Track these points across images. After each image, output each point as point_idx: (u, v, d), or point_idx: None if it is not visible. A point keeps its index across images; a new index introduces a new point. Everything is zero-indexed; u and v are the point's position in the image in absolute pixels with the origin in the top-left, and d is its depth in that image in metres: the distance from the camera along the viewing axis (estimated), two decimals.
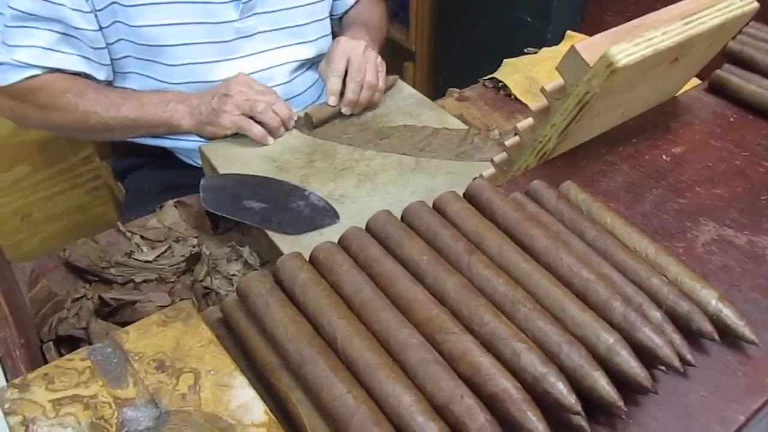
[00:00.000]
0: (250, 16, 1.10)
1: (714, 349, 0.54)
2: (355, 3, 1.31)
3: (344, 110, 1.04)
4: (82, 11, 1.00)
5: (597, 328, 0.48)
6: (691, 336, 0.52)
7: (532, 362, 0.45)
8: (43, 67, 1.02)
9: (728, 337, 0.54)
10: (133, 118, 1.05)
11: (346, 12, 1.32)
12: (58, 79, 1.04)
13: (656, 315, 0.52)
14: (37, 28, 1.00)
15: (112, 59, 1.08)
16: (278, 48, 1.15)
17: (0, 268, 0.69)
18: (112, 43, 1.06)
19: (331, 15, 1.28)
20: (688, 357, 0.50)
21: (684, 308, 0.53)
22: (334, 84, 1.04)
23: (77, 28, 1.01)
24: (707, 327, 0.52)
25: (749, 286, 0.60)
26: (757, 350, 0.54)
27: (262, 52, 1.14)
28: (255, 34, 1.12)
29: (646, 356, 0.48)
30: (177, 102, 1.04)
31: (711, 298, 0.54)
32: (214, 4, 1.06)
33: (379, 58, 1.09)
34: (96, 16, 1.02)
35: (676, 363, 0.48)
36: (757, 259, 0.62)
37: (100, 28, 1.03)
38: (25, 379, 0.46)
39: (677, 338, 0.51)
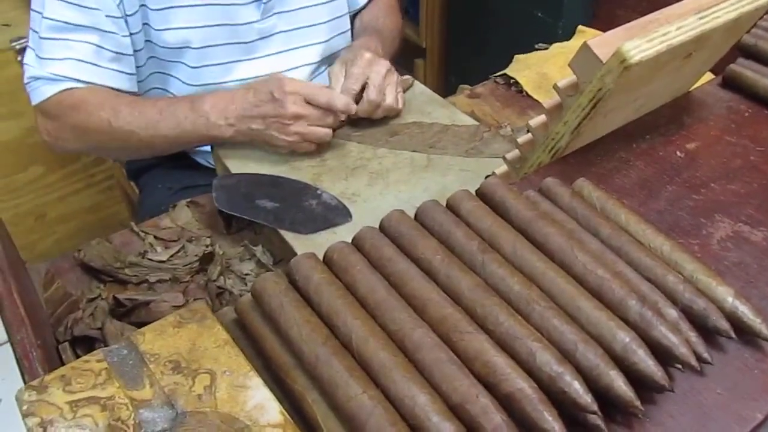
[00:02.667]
0: (271, 16, 1.10)
1: (731, 346, 0.54)
2: (368, 3, 1.29)
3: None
4: (115, 17, 1.00)
5: (613, 327, 0.48)
6: (708, 334, 0.52)
7: (548, 362, 0.45)
8: (77, 80, 1.00)
9: (745, 334, 0.53)
10: (173, 137, 1.00)
11: (359, 11, 1.30)
12: (90, 94, 1.01)
13: (672, 313, 0.51)
14: (73, 39, 0.99)
15: (137, 66, 1.07)
16: (298, 48, 1.15)
17: (15, 269, 0.69)
18: (140, 49, 1.06)
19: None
20: (705, 355, 0.50)
21: (700, 306, 0.52)
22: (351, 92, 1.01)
23: (109, 33, 1.00)
24: (724, 324, 0.52)
25: (766, 282, 0.59)
26: None
27: (282, 52, 1.13)
28: (275, 34, 1.12)
29: (663, 355, 0.48)
30: (217, 118, 0.97)
31: (727, 296, 0.54)
32: (237, 6, 1.06)
33: (399, 78, 1.05)
34: (126, 21, 1.01)
35: (693, 361, 0.48)
36: None
37: (131, 34, 1.03)
38: (43, 381, 0.46)
39: (693, 336, 0.50)
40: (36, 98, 1.03)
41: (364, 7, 1.29)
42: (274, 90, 0.94)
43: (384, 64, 1.02)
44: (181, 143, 1.03)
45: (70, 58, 0.99)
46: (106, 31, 1.00)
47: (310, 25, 1.15)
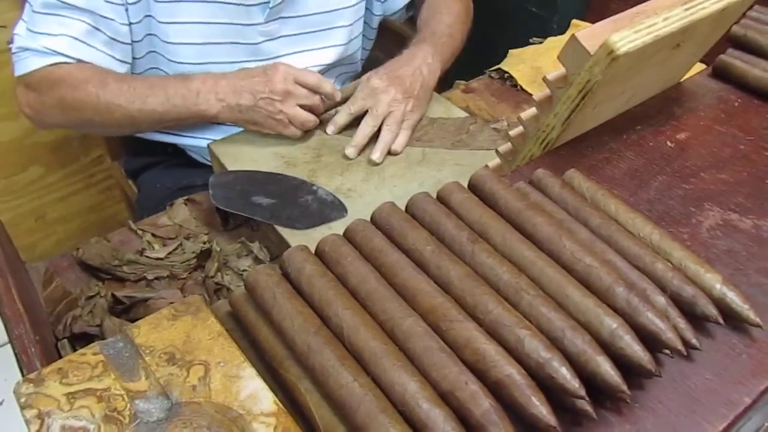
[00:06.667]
0: (275, 20, 1.10)
1: (719, 332, 0.54)
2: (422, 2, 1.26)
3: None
4: (115, 3, 0.99)
5: (600, 314, 0.49)
6: (696, 320, 0.53)
7: (536, 348, 0.46)
8: (68, 56, 0.99)
9: (733, 320, 0.54)
10: (161, 111, 1.00)
11: (401, 12, 1.27)
12: (77, 70, 1.00)
13: (660, 300, 0.52)
14: (67, 17, 0.98)
15: (134, 58, 1.07)
16: (301, 52, 1.14)
17: (15, 269, 0.70)
18: (139, 41, 1.06)
19: (384, 15, 1.27)
20: (693, 341, 0.50)
21: (688, 293, 0.53)
22: (341, 119, 1.01)
23: (107, 18, 0.99)
24: (711, 311, 0.52)
25: (754, 269, 0.60)
26: (761, 333, 0.54)
27: (286, 55, 1.13)
28: (279, 37, 1.12)
29: (650, 341, 0.49)
30: (207, 92, 0.98)
31: (715, 282, 0.54)
32: (244, 6, 1.06)
33: (410, 108, 1.01)
34: (127, 10, 1.01)
35: (680, 346, 0.48)
36: (762, 243, 0.62)
37: (130, 24, 1.03)
38: (40, 374, 0.47)
39: (682, 322, 0.51)
40: (21, 69, 1.02)
41: (421, 3, 1.26)
42: (267, 68, 0.98)
43: (389, 93, 1.00)
44: (169, 119, 1.02)
45: (62, 35, 0.99)
46: (103, 16, 1.00)
47: (316, 31, 1.15)
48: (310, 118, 0.98)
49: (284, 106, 0.96)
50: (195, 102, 0.99)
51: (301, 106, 0.97)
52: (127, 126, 1.06)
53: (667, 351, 0.50)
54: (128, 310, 0.78)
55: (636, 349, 0.47)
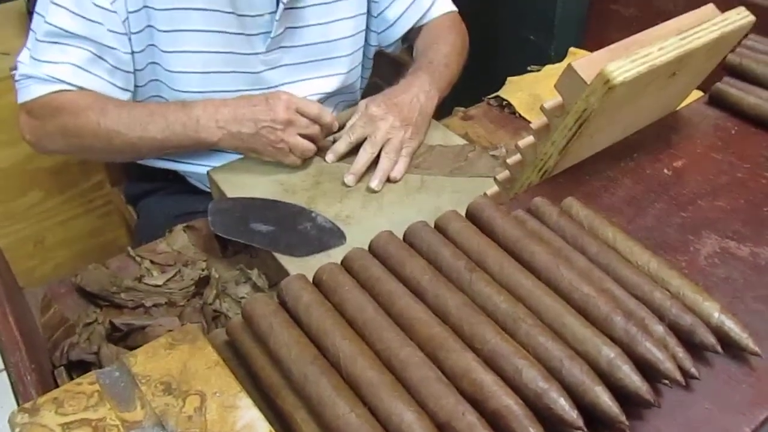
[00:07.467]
0: (276, 49, 1.10)
1: (718, 361, 0.54)
2: (420, 29, 1.26)
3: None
4: (118, 32, 1.00)
5: (598, 343, 0.48)
6: (695, 349, 0.53)
7: (534, 378, 0.46)
8: (70, 84, 1.00)
9: (732, 348, 0.54)
10: (161, 139, 1.00)
11: (397, 43, 1.28)
12: (79, 97, 1.01)
13: (659, 329, 0.52)
14: (70, 45, 0.99)
15: (136, 86, 1.08)
16: (302, 80, 1.15)
17: (12, 295, 0.70)
18: (141, 69, 1.06)
19: (380, 46, 1.28)
20: (692, 370, 0.50)
21: (687, 321, 0.53)
22: (341, 147, 1.01)
23: (110, 48, 1.00)
24: (710, 339, 0.52)
25: (752, 297, 0.60)
26: (761, 361, 0.54)
27: (287, 83, 1.14)
28: (280, 66, 1.12)
29: (649, 370, 0.49)
30: (208, 120, 0.98)
31: (713, 311, 0.54)
32: (245, 35, 1.07)
33: (409, 136, 1.01)
34: (130, 39, 1.02)
35: (678, 376, 0.48)
36: (760, 270, 0.62)
37: (132, 52, 1.03)
38: (35, 404, 0.47)
39: (680, 351, 0.51)
40: (23, 96, 1.02)
41: (417, 34, 1.26)
42: (269, 96, 0.98)
43: (387, 121, 1.00)
44: (169, 146, 1.02)
45: (65, 62, 1.00)
46: (106, 45, 1.00)
47: (315, 60, 1.15)
48: (311, 147, 0.99)
49: (285, 134, 0.96)
50: (195, 129, 0.99)
51: (302, 135, 0.98)
52: (127, 152, 1.06)
53: (666, 381, 0.49)
54: (126, 337, 0.78)
55: (634, 379, 0.47)
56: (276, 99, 0.98)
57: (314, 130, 0.99)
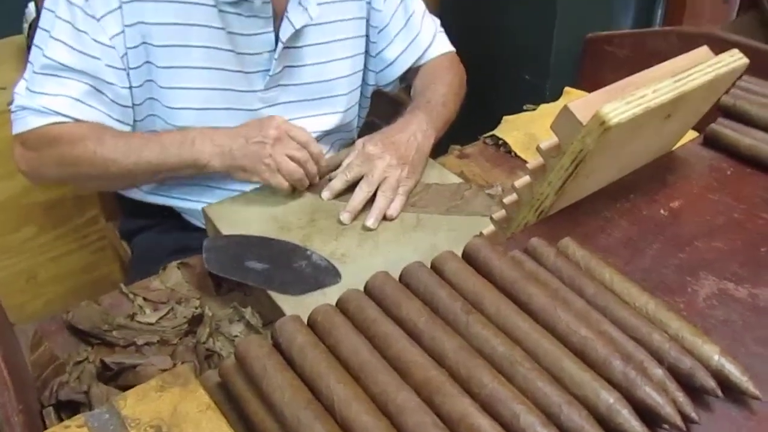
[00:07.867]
0: (274, 87, 1.11)
1: (718, 405, 0.53)
2: (418, 69, 1.27)
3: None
4: (116, 68, 1.01)
5: (597, 388, 0.48)
6: (695, 392, 0.52)
7: (532, 424, 0.45)
8: (66, 116, 1.00)
9: (732, 392, 0.53)
10: (156, 163, 1.01)
11: (395, 83, 1.29)
12: (75, 127, 1.01)
13: (658, 372, 0.51)
14: (68, 78, 1.00)
15: (134, 120, 1.08)
16: (300, 118, 1.15)
17: (2, 332, 0.69)
18: (139, 104, 1.07)
19: (378, 86, 1.29)
20: (692, 415, 0.49)
21: (686, 364, 0.52)
22: (337, 185, 1.01)
23: (108, 83, 1.01)
24: (710, 383, 0.52)
25: (752, 339, 0.59)
26: (761, 405, 0.53)
27: (290, 120, 1.14)
28: (278, 104, 1.13)
29: (649, 415, 0.48)
30: (202, 140, 1.00)
31: (713, 354, 0.54)
32: (243, 73, 1.07)
33: (406, 174, 1.01)
34: (128, 74, 1.03)
35: (678, 421, 0.47)
36: (759, 312, 0.62)
37: (130, 87, 1.04)
38: None
39: (680, 395, 0.50)
40: (19, 127, 1.02)
41: (415, 74, 1.27)
42: (263, 118, 1.01)
43: (384, 160, 1.00)
44: (164, 169, 1.02)
45: (63, 95, 1.00)
46: (104, 80, 1.01)
47: (313, 99, 1.16)
48: (298, 170, 0.99)
49: (274, 150, 0.97)
50: (191, 151, 1.00)
51: (290, 158, 0.99)
52: (123, 180, 1.07)
53: (666, 426, 0.48)
54: (117, 376, 0.76)
55: (634, 425, 0.46)
56: (269, 119, 1.01)
57: (303, 155, 0.99)
